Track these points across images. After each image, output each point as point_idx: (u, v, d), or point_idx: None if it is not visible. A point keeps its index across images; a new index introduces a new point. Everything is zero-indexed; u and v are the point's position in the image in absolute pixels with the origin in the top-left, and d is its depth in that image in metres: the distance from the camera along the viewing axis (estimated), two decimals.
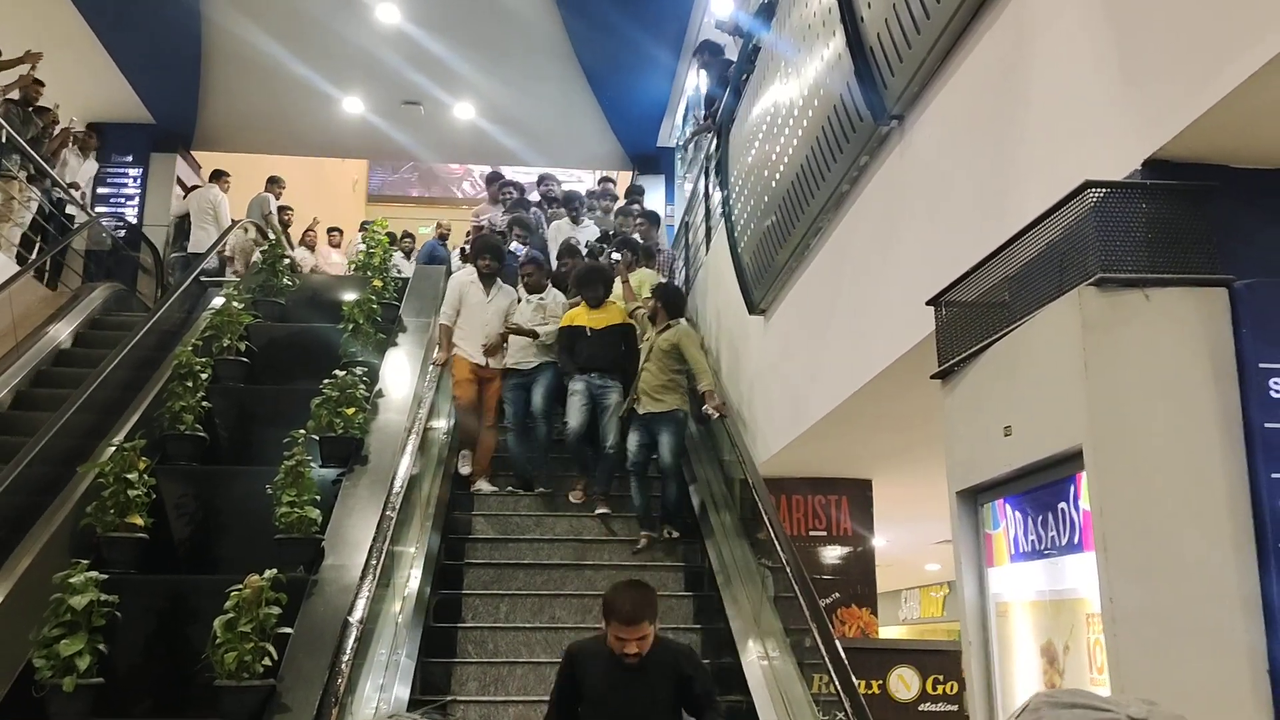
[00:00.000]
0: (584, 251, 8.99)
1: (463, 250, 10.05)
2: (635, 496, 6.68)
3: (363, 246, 9.08)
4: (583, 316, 7.19)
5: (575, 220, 9.90)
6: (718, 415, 6.45)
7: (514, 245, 8.74)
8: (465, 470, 7.26)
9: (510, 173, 12.02)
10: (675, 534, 6.70)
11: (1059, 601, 2.67)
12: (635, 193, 11.36)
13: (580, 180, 13.74)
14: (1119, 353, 2.45)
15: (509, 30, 11.57)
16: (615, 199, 11.37)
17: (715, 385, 6.65)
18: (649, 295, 7.47)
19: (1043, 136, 3.06)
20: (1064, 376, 2.52)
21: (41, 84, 9.39)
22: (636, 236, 8.83)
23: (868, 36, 4.16)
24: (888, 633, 12.59)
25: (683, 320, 7.06)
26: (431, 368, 7.29)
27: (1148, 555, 2.35)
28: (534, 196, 11.07)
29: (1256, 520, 2.36)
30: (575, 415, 6.94)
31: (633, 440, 6.67)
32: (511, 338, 7.32)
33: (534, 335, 7.24)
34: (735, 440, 6.44)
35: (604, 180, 12.91)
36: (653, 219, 9.62)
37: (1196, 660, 2.31)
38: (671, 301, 7.08)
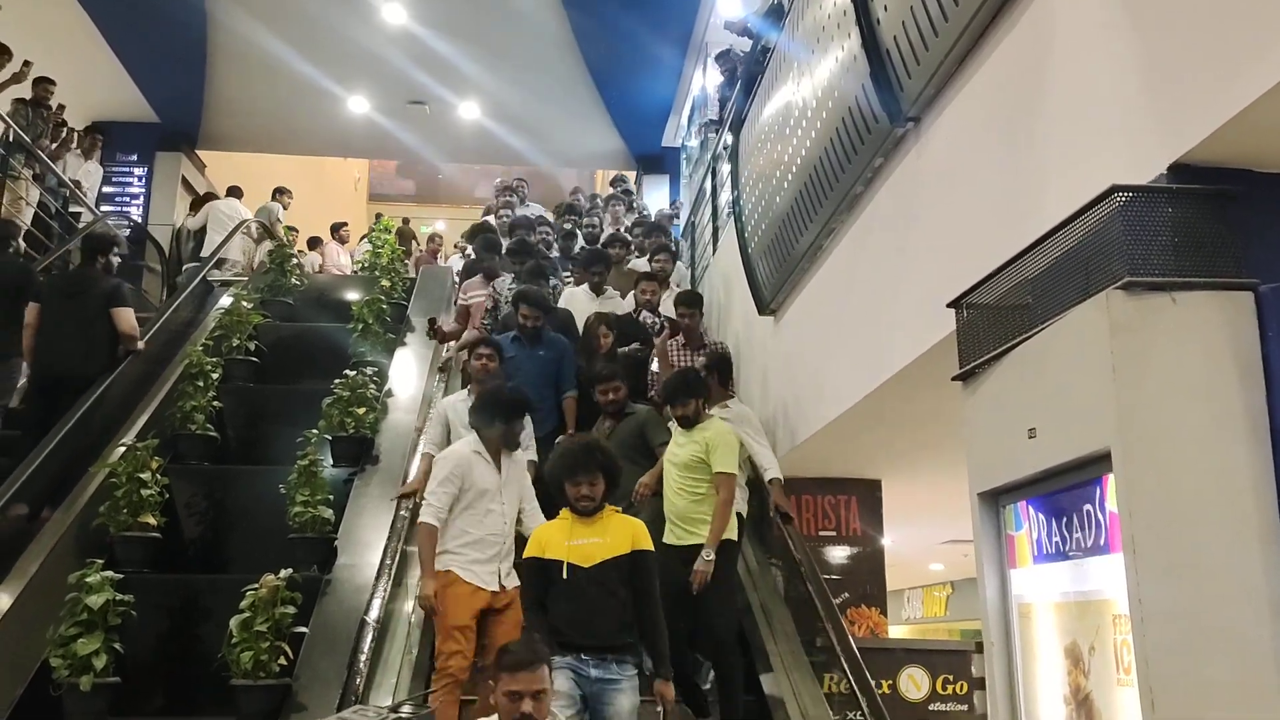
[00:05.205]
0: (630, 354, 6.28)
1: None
2: None
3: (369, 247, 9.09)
4: (559, 542, 3.81)
5: (598, 289, 7.03)
6: None
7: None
8: None
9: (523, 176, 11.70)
10: None
11: (1084, 603, 2.68)
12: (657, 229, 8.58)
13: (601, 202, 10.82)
14: (1146, 355, 2.47)
15: (515, 30, 11.58)
16: (673, 252, 7.98)
17: None
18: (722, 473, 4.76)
19: (1064, 140, 3.07)
20: (1091, 379, 2.53)
21: (52, 83, 9.39)
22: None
23: (884, 38, 4.17)
24: (891, 632, 12.62)
25: None
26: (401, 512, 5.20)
27: (1176, 557, 2.36)
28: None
29: None
30: None
31: None
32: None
33: None
34: None
35: (653, 229, 9.14)
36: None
37: (1224, 661, 2.33)
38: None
